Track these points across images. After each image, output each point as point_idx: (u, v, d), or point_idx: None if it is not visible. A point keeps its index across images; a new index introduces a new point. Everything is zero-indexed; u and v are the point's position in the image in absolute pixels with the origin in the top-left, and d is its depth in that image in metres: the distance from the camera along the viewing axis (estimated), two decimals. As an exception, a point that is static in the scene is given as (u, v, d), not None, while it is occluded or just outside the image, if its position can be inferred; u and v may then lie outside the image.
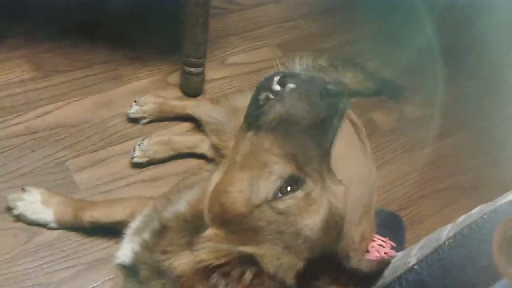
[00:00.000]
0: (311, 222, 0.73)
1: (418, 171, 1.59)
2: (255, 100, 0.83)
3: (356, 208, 1.09)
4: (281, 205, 0.73)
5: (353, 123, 1.31)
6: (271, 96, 0.81)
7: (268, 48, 1.84)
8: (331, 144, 0.79)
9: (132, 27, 1.69)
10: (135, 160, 1.35)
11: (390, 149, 1.64)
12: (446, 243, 0.85)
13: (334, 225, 0.76)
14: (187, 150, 1.41)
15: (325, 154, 0.78)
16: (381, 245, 1.17)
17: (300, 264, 0.74)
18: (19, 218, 1.20)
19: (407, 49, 1.87)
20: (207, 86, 1.61)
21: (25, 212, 1.20)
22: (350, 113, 1.37)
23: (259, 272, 0.72)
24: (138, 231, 0.94)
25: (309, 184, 0.75)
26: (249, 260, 0.73)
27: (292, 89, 0.80)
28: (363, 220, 1.11)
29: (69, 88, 1.50)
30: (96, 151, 1.38)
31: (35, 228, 1.21)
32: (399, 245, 1.21)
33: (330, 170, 0.79)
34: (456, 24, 1.89)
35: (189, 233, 0.79)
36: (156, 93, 1.53)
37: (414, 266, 0.90)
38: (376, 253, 1.13)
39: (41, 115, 1.42)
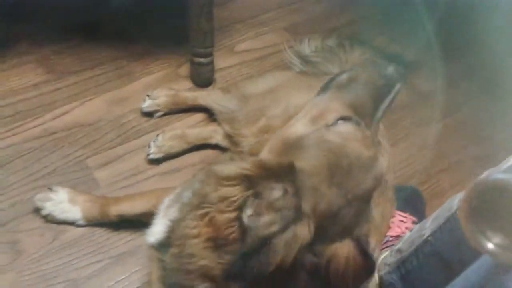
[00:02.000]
0: (360, 150, 0.77)
1: (433, 145, 1.58)
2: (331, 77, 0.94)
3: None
4: (339, 127, 0.79)
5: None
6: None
7: (275, 33, 1.83)
8: (381, 116, 0.87)
9: (138, 22, 1.70)
10: (151, 156, 1.37)
11: (403, 125, 1.63)
12: (456, 212, 0.85)
13: (373, 175, 0.78)
14: (201, 142, 1.42)
15: (377, 121, 0.86)
16: (401, 221, 1.18)
17: (332, 193, 0.73)
18: (47, 219, 1.23)
19: (412, 24, 1.84)
20: (217, 75, 1.62)
21: (54, 212, 1.23)
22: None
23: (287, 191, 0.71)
24: (170, 206, 0.94)
25: (364, 125, 0.82)
26: (288, 171, 0.72)
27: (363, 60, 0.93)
28: (380, 199, 1.11)
29: (82, 88, 1.52)
30: (113, 147, 1.40)
31: (61, 227, 1.23)
32: (420, 220, 1.22)
33: (377, 139, 0.88)
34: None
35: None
36: (168, 86, 1.55)
37: (429, 238, 0.90)
38: (397, 228, 1.14)
39: (58, 116, 1.44)
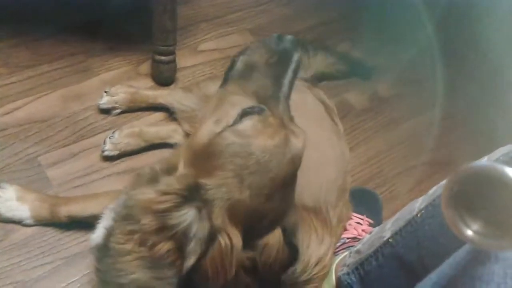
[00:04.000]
0: (264, 143, 0.75)
1: (392, 149, 1.61)
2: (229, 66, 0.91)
3: (331, 190, 1.11)
4: (239, 126, 0.76)
5: (325, 105, 1.32)
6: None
7: (239, 34, 1.82)
8: (288, 90, 0.85)
9: (99, 17, 1.66)
10: (106, 153, 1.34)
11: (364, 128, 1.65)
12: (418, 215, 0.87)
13: (288, 160, 0.77)
14: (159, 141, 1.39)
15: (284, 97, 0.84)
16: (358, 223, 1.19)
17: (246, 196, 0.74)
18: (-7, 216, 1.18)
19: (376, 29, 1.88)
20: (179, 74, 1.59)
21: (0, 210, 1.18)
22: (322, 94, 1.38)
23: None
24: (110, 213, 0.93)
25: (267, 112, 0.79)
26: (194, 191, 0.73)
27: (254, 45, 0.90)
28: (339, 202, 1.12)
29: (36, 82, 1.46)
30: (67, 145, 1.36)
31: (10, 226, 1.18)
32: (377, 222, 1.24)
33: (290, 115, 0.84)
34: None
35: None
36: (128, 83, 1.51)
37: (389, 240, 0.92)
38: (354, 230, 1.15)
39: (10, 112, 1.38)
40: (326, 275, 1.02)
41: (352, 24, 1.95)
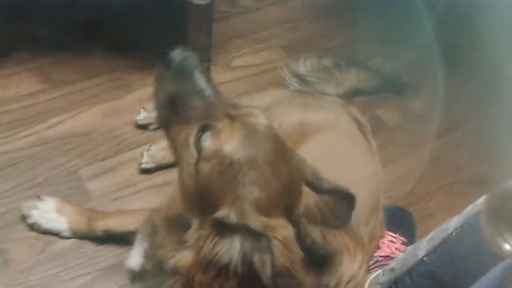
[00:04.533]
0: (231, 146, 0.76)
1: (426, 166, 1.59)
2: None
3: (363, 209, 1.11)
4: (203, 153, 0.78)
5: (358, 122, 1.32)
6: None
7: (272, 50, 1.85)
8: (209, 88, 0.85)
9: (136, 35, 1.71)
10: (143, 166, 1.38)
11: (396, 145, 1.64)
12: (453, 234, 0.86)
13: (263, 138, 0.79)
14: (195, 155, 1.42)
15: (213, 96, 0.85)
16: (391, 241, 1.18)
17: (258, 192, 0.75)
18: (33, 227, 1.23)
19: (409, 45, 1.87)
20: (214, 90, 1.63)
21: (40, 221, 1.22)
22: (355, 111, 1.39)
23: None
24: (143, 239, 0.98)
25: (215, 123, 0.80)
26: (219, 226, 0.75)
27: (155, 86, 0.91)
28: (371, 220, 1.12)
29: (78, 98, 1.53)
30: (106, 159, 1.41)
31: (50, 237, 1.23)
32: (410, 241, 1.22)
33: (231, 105, 0.86)
34: (456, 23, 1.89)
35: (178, 231, 0.83)
36: (163, 99, 1.55)
37: (424, 258, 0.91)
38: (387, 248, 1.15)
39: (52, 126, 1.45)
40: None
41: (384, 39, 1.94)
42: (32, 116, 1.45)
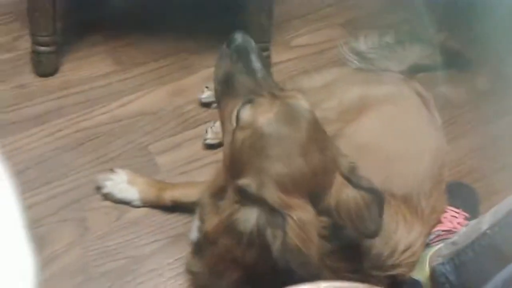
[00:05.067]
0: (265, 118, 0.81)
1: (492, 144, 1.54)
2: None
3: (425, 180, 1.11)
4: (241, 121, 0.84)
5: (421, 96, 1.31)
6: None
7: (330, 28, 1.84)
8: (262, 71, 0.92)
9: (200, 18, 1.77)
10: (207, 141, 1.44)
11: (462, 122, 1.60)
12: None
13: (298, 118, 0.82)
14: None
15: (263, 78, 0.91)
16: (454, 216, 1.18)
17: (281, 168, 0.79)
18: (107, 197, 1.31)
19: (474, 20, 1.80)
20: (273, 69, 1.65)
21: (113, 191, 1.31)
22: (418, 86, 1.37)
23: None
24: (198, 212, 1.05)
25: (257, 98, 0.85)
26: (244, 195, 0.80)
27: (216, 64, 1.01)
28: (433, 193, 1.11)
29: (146, 79, 1.61)
30: (173, 135, 1.48)
31: (124, 207, 1.31)
32: (473, 216, 1.21)
33: (279, 88, 0.92)
34: None
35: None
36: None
37: (487, 231, 0.91)
38: (449, 223, 1.14)
39: (124, 105, 1.53)
40: (415, 262, 1.02)
41: (449, 14, 1.88)
42: (105, 96, 1.55)
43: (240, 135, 0.83)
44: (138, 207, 1.31)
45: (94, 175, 1.35)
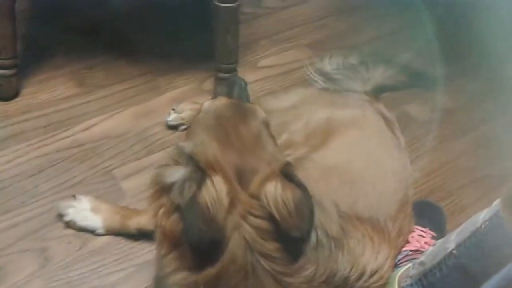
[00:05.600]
0: (216, 105, 0.98)
1: (456, 161, 1.58)
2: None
3: (391, 203, 1.11)
4: (202, 108, 1.01)
5: (385, 118, 1.32)
6: None
7: (298, 49, 1.87)
8: (239, 94, 1.09)
9: (166, 38, 1.76)
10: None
11: (427, 140, 1.63)
12: (482, 226, 0.86)
13: (244, 114, 0.95)
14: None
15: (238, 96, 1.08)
16: (421, 235, 1.18)
17: (211, 137, 0.88)
18: (69, 225, 1.27)
19: (437, 40, 1.85)
20: (241, 90, 1.65)
21: (75, 219, 1.26)
22: (382, 108, 1.39)
23: None
24: None
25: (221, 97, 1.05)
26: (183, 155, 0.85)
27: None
28: (399, 215, 1.12)
29: (110, 101, 1.58)
30: (139, 159, 1.45)
31: (87, 235, 1.27)
32: (440, 235, 1.22)
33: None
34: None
35: None
36: (193, 100, 1.59)
37: (453, 251, 0.91)
38: (416, 243, 1.15)
39: (87, 128, 1.50)
40: (383, 286, 1.02)
41: (412, 34, 1.93)
42: (68, 119, 1.51)
43: (198, 117, 0.98)
44: (102, 235, 1.28)
45: (55, 202, 1.30)
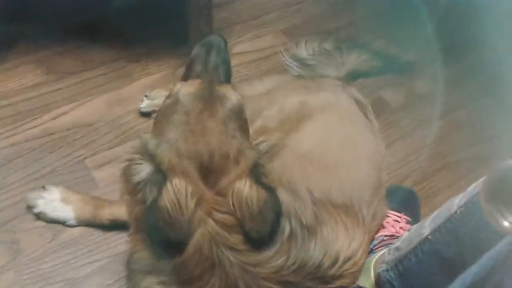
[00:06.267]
0: (185, 91, 0.92)
1: (431, 145, 1.58)
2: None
3: (365, 187, 1.11)
4: (170, 92, 0.96)
5: (358, 102, 1.32)
6: None
7: (273, 35, 1.85)
8: (216, 64, 1.02)
9: (137, 24, 1.72)
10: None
11: (401, 125, 1.64)
12: (457, 212, 0.87)
13: (215, 102, 0.91)
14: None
15: (214, 70, 1.01)
16: (396, 220, 1.19)
17: (177, 135, 0.85)
18: (39, 217, 1.24)
19: (411, 26, 1.85)
20: (215, 77, 1.63)
21: (45, 210, 1.24)
22: (355, 92, 1.39)
23: None
24: None
25: (193, 79, 0.99)
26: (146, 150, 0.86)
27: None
28: (374, 199, 1.12)
29: (81, 88, 1.54)
30: (112, 148, 1.42)
31: (59, 226, 1.25)
32: (415, 220, 1.23)
33: (222, 81, 1.01)
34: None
35: None
36: (166, 87, 1.56)
37: (428, 237, 0.92)
38: (392, 228, 1.16)
39: (57, 117, 1.46)
40: (357, 273, 1.03)
41: (386, 20, 1.93)
42: (36, 108, 1.47)
43: (165, 102, 0.94)
44: (74, 226, 1.25)
45: (25, 193, 1.27)
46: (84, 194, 1.28)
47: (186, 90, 0.92)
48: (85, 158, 1.38)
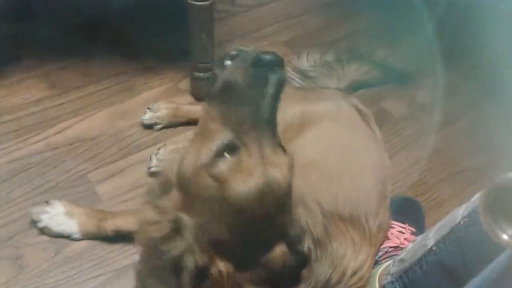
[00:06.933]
0: (237, 189, 0.73)
1: (433, 156, 1.58)
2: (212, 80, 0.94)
3: (371, 198, 1.11)
4: (214, 170, 0.75)
5: (360, 112, 1.32)
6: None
7: (274, 47, 1.85)
8: (271, 115, 0.78)
9: (140, 37, 1.73)
10: (152, 169, 1.39)
11: (404, 136, 1.64)
12: (461, 222, 0.87)
13: (271, 198, 0.75)
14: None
15: (266, 124, 0.77)
16: (400, 231, 1.19)
17: (224, 233, 0.76)
18: (43, 231, 1.24)
19: (411, 34, 1.86)
20: (217, 90, 1.64)
21: (50, 225, 1.24)
22: (357, 102, 1.39)
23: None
24: None
25: (243, 152, 0.75)
26: (176, 228, 0.78)
27: (233, 60, 0.81)
28: (379, 210, 1.12)
29: (84, 103, 1.55)
30: (115, 161, 1.42)
31: (63, 241, 1.24)
32: (419, 230, 1.23)
33: (273, 142, 0.78)
34: (455, 21, 1.90)
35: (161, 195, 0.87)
36: (169, 100, 1.57)
37: (433, 248, 0.92)
38: (396, 239, 1.15)
39: (60, 131, 1.47)
40: (364, 286, 1.02)
41: (387, 30, 1.94)
42: (40, 122, 1.48)
43: (207, 180, 0.75)
44: (78, 240, 1.25)
45: (29, 208, 1.27)
46: (88, 207, 1.28)
47: (237, 185, 0.73)
48: (88, 172, 1.38)
